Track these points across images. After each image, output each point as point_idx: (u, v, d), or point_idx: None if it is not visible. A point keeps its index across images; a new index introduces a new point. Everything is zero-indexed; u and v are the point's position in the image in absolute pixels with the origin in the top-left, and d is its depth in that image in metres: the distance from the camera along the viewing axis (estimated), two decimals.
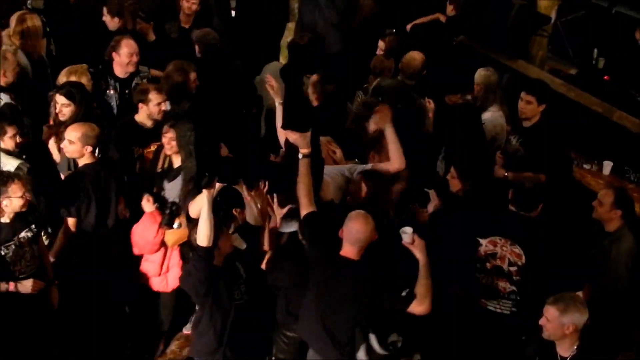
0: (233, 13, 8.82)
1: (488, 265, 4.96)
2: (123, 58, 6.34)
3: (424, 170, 5.75)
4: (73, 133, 5.24)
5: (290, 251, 4.89)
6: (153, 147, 5.78)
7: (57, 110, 5.64)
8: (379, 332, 4.55)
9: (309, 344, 4.70)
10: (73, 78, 5.96)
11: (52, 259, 5.23)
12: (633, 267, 5.02)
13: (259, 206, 5.05)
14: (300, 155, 4.81)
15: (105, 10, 6.93)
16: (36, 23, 6.62)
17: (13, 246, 4.73)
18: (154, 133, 5.69)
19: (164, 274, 5.51)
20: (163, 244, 5.41)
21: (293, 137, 4.91)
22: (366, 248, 4.43)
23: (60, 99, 5.60)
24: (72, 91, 5.62)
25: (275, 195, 5.00)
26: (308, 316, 4.62)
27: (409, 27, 8.48)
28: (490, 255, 4.96)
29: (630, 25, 7.37)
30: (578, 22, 8.60)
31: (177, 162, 5.45)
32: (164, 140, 5.42)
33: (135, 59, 6.38)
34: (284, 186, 4.97)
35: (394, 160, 5.25)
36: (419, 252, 4.38)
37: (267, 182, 5.05)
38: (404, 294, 4.35)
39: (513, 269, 4.91)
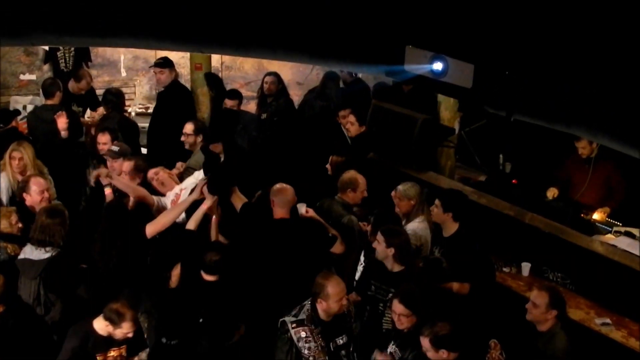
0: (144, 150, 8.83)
1: None
2: (35, 197, 6.34)
3: None
4: None
5: None
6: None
7: None
8: None
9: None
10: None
11: None
12: None
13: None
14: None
15: None
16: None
17: None
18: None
19: None
20: None
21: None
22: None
23: None
24: None
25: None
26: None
27: None
28: None
29: (529, 130, 7.66)
30: (481, 131, 8.89)
31: None
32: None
33: (46, 194, 6.40)
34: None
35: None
36: (314, 215, 6.19)
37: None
38: (330, 235, 6.09)
39: None
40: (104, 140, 7.57)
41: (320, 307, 5.25)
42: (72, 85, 9.05)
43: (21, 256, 5.78)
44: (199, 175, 6.81)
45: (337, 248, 6.14)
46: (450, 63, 5.82)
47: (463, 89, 5.77)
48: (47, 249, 5.69)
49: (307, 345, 5.22)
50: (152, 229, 6.02)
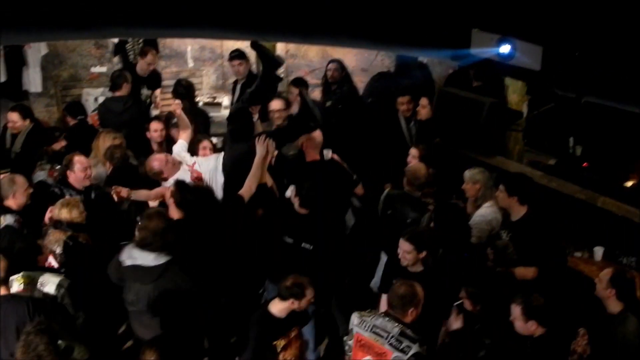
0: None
1: None
2: (78, 174, 6.57)
3: None
4: None
5: None
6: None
7: None
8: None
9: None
10: (66, 210, 5.91)
11: None
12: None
13: None
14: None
15: None
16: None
17: None
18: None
19: None
20: None
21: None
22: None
23: None
24: None
25: None
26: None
27: None
28: None
29: (601, 112, 7.49)
30: (550, 114, 8.72)
31: None
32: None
33: (89, 172, 6.63)
34: None
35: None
36: (339, 159, 6.89)
37: None
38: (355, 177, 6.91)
39: None
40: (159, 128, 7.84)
41: (412, 315, 5.05)
42: (140, 64, 9.11)
43: (129, 262, 5.26)
44: (182, 144, 7.20)
45: (360, 189, 6.93)
46: (518, 45, 5.74)
47: (531, 71, 5.68)
48: (163, 253, 5.25)
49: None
50: (247, 194, 6.24)
